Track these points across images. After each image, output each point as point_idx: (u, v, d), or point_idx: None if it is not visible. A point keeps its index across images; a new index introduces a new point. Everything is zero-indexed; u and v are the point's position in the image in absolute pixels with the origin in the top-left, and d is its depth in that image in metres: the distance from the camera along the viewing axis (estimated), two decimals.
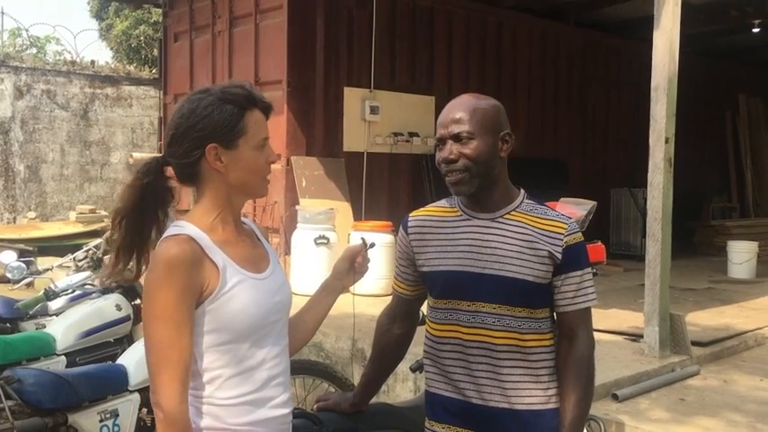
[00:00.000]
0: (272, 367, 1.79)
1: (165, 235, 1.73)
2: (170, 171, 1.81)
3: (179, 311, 1.64)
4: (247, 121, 1.75)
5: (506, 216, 2.01)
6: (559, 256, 1.95)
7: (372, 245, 2.16)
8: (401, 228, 2.17)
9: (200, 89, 1.81)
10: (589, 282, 2.02)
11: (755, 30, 10.88)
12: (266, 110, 1.82)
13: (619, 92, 12.13)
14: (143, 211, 1.78)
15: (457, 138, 1.97)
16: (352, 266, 2.10)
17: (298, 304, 1.93)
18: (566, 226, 1.98)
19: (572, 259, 1.97)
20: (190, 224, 1.74)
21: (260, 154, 1.78)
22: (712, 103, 13.39)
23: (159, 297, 1.65)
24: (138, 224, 1.77)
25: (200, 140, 1.73)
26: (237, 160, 1.75)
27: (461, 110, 1.99)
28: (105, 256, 4.87)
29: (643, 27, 6.49)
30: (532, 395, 1.96)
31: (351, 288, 2.20)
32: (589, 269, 2.03)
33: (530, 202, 2.05)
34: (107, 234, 5.02)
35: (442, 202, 2.15)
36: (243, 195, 1.83)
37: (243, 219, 1.91)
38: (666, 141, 4.97)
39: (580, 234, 2.01)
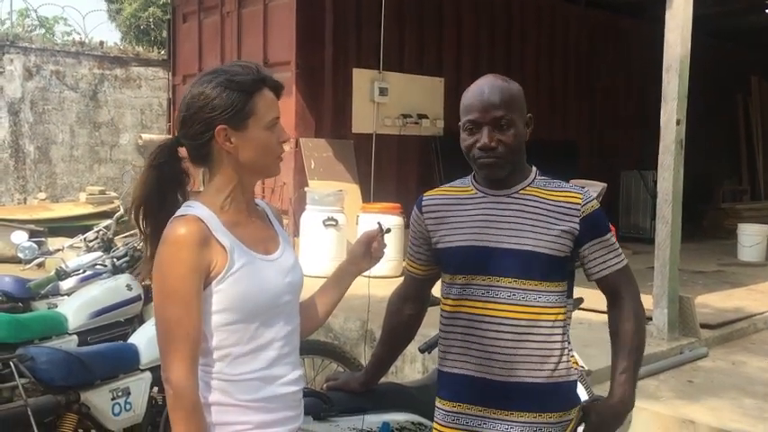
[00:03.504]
0: (282, 346, 1.80)
1: (174, 215, 1.74)
2: (183, 152, 1.82)
3: (187, 289, 1.66)
4: (256, 102, 1.75)
5: (521, 192, 2.02)
6: (577, 227, 1.96)
7: (388, 230, 2.17)
8: (415, 207, 2.17)
9: (210, 70, 1.81)
10: (616, 244, 2.05)
11: None
12: (277, 89, 1.82)
13: (629, 73, 12.04)
14: (162, 195, 1.79)
15: (496, 124, 1.95)
16: (368, 251, 2.10)
17: (307, 286, 1.93)
18: (581, 196, 2.00)
19: (592, 227, 1.99)
20: (200, 204, 1.76)
21: (271, 134, 1.78)
22: (724, 86, 13.27)
23: (167, 276, 1.67)
24: (159, 209, 1.78)
25: (210, 122, 1.73)
26: (248, 141, 1.75)
27: (498, 94, 1.96)
28: (116, 237, 4.91)
29: (654, 8, 6.42)
30: (543, 369, 1.97)
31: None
32: (611, 232, 2.05)
33: (543, 177, 2.06)
34: (117, 215, 5.04)
35: (456, 183, 2.15)
36: (254, 175, 1.84)
37: (257, 200, 1.92)
38: (677, 123, 4.94)
39: (596, 201, 2.02)
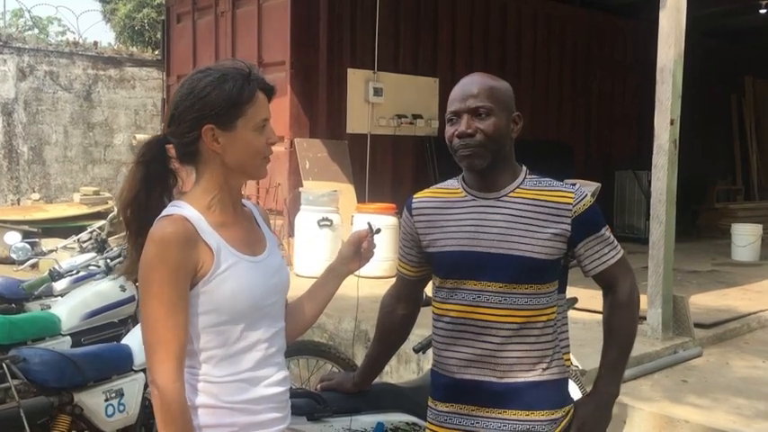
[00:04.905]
0: (268, 348, 1.79)
1: (161, 214, 1.73)
2: (172, 150, 1.81)
3: (174, 290, 1.65)
4: (247, 103, 1.74)
5: (511, 194, 2.00)
6: (569, 229, 1.95)
7: (378, 230, 2.15)
8: (405, 209, 2.17)
9: (201, 68, 1.80)
10: (611, 237, 2.04)
11: (762, 11, 10.78)
12: (267, 90, 1.80)
13: (624, 73, 12.06)
14: (148, 193, 1.78)
15: (474, 112, 1.96)
16: (357, 251, 2.09)
17: (301, 286, 1.93)
18: (572, 194, 1.98)
19: (586, 225, 1.98)
20: (187, 204, 1.74)
21: (259, 135, 1.76)
22: (718, 85, 13.30)
23: (154, 276, 1.65)
24: (145, 211, 1.77)
25: (197, 121, 1.72)
26: (235, 141, 1.73)
27: (479, 86, 1.99)
28: (110, 238, 4.89)
29: (649, 8, 6.44)
30: (535, 369, 1.97)
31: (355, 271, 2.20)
32: (606, 227, 2.04)
33: (533, 177, 2.05)
34: (111, 215, 5.03)
35: (446, 184, 2.14)
36: (241, 176, 1.82)
37: (243, 201, 1.90)
38: (671, 123, 4.96)
39: (589, 198, 2.01)
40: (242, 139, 1.74)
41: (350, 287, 2.13)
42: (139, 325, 3.72)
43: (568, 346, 2.09)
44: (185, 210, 1.72)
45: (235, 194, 1.82)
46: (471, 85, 2.00)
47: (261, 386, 1.77)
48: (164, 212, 1.73)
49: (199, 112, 1.71)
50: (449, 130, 2.01)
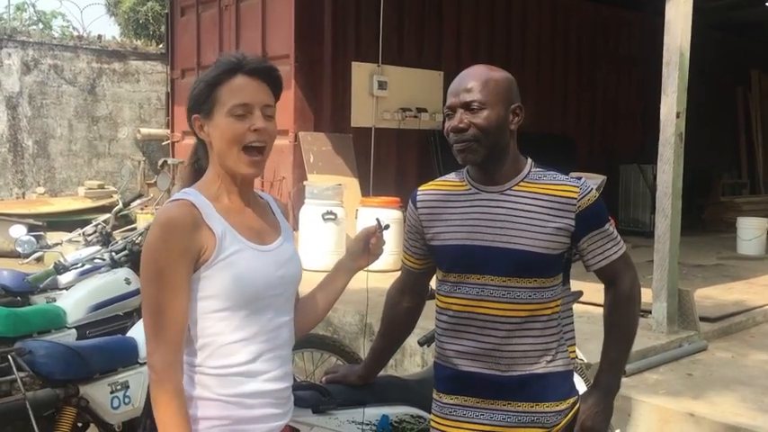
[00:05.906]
0: (268, 340, 1.76)
1: (169, 199, 1.76)
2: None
3: (176, 274, 1.64)
4: (220, 89, 1.75)
5: (515, 188, 1.99)
6: (572, 223, 1.94)
7: (387, 226, 2.14)
8: (410, 201, 2.16)
9: None
10: (614, 233, 2.03)
11: None
12: (261, 74, 1.78)
13: (629, 66, 12.01)
14: None
15: (467, 106, 1.95)
16: (366, 247, 2.08)
17: (306, 279, 1.91)
18: (577, 189, 1.97)
19: (589, 220, 1.97)
20: (195, 191, 1.76)
21: (236, 121, 1.74)
22: (724, 79, 13.24)
23: (156, 259, 1.65)
24: None
25: (190, 113, 1.80)
26: (215, 129, 1.76)
27: (473, 79, 1.97)
28: (114, 231, 4.90)
29: (655, 0, 6.40)
30: (539, 362, 1.97)
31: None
32: (610, 222, 2.03)
33: (538, 169, 2.04)
34: (116, 209, 5.04)
35: (451, 176, 2.13)
36: (227, 168, 1.78)
37: (260, 192, 1.91)
38: (677, 116, 4.93)
39: (594, 192, 1.99)
40: (218, 127, 1.76)
41: (355, 280, 2.13)
42: None
43: (573, 338, 2.09)
44: (192, 196, 1.73)
45: (240, 182, 1.81)
46: (466, 78, 1.99)
47: (258, 380, 1.74)
48: (172, 197, 1.75)
49: (189, 104, 1.80)
50: (446, 124, 2.01)
